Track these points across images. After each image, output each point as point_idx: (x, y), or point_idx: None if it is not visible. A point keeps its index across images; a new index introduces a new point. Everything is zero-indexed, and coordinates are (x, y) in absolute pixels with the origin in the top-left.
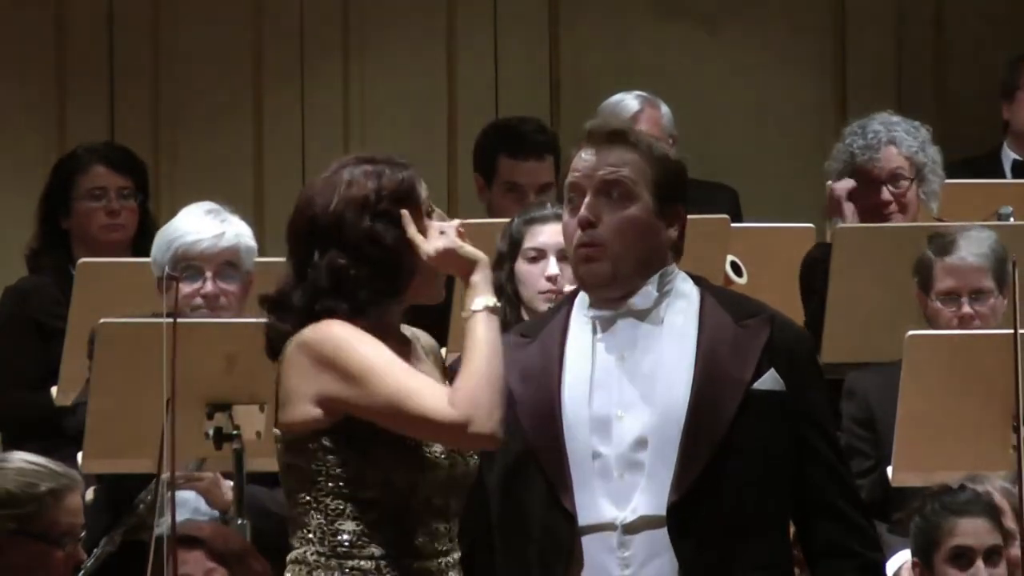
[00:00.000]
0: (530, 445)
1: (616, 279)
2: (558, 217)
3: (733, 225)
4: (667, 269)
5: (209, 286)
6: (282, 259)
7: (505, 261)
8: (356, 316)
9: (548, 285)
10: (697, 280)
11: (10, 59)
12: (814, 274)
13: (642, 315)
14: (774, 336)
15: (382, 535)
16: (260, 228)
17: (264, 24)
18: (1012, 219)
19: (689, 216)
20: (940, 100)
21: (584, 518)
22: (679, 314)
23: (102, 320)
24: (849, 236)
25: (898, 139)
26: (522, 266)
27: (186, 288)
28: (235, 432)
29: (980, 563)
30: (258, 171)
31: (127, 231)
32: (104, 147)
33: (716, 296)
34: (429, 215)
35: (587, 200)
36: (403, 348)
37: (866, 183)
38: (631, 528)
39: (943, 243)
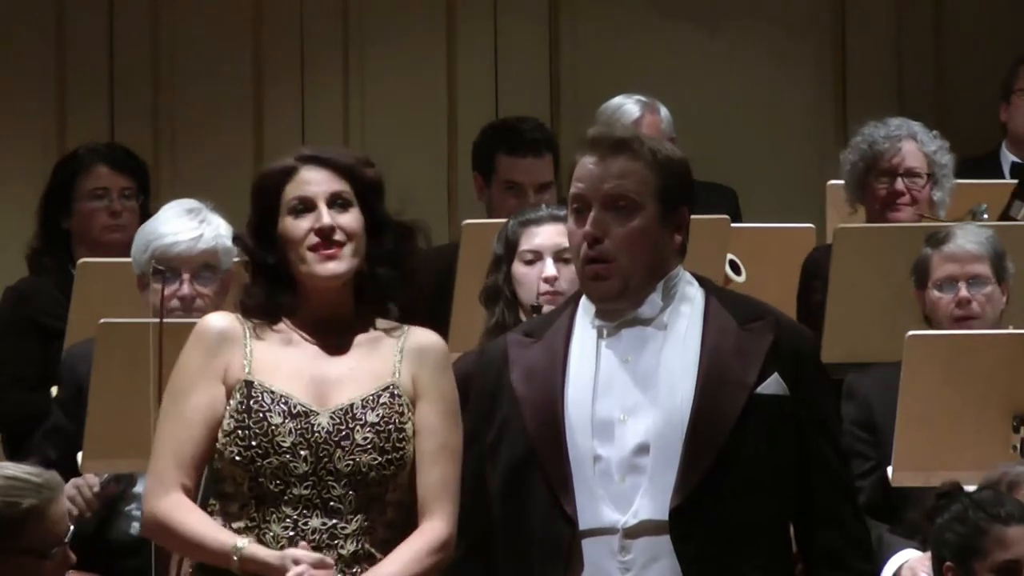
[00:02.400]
0: (532, 446)
1: (625, 293)
2: (554, 218)
3: (733, 225)
4: (671, 274)
5: (185, 288)
6: None
7: (502, 264)
8: (248, 313)
9: (546, 287)
10: (702, 282)
11: (10, 59)
12: (813, 281)
13: (647, 321)
14: (778, 339)
15: (240, 527)
16: None
17: (264, 24)
18: (986, 216)
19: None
20: (940, 100)
21: (585, 521)
22: (683, 318)
23: (102, 320)
24: (849, 236)
25: (919, 136)
26: (519, 268)
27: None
28: None
29: None
30: (258, 171)
31: (128, 232)
32: (106, 148)
33: (720, 298)
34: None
35: (593, 215)
36: (313, 345)
37: (882, 172)
38: (632, 532)
39: (940, 236)
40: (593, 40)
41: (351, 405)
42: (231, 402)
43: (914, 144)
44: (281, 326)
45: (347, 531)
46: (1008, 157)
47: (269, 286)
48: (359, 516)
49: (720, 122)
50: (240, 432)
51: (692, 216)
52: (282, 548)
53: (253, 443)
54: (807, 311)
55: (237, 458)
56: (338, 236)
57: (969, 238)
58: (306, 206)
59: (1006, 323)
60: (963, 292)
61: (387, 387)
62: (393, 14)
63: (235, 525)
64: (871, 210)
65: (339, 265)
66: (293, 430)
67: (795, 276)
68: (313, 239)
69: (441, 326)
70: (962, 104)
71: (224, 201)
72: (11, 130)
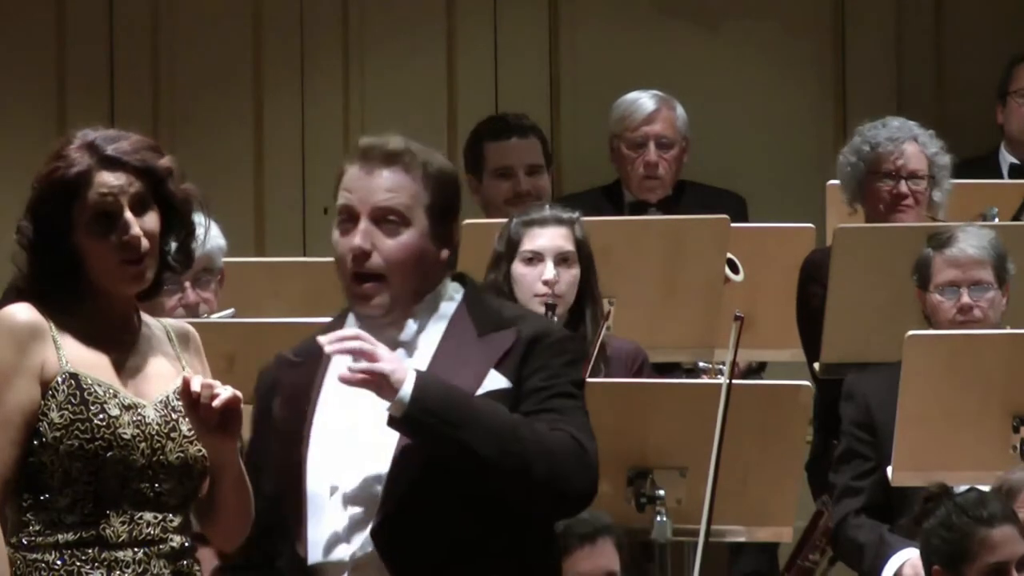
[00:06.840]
0: (279, 477)
1: (394, 309)
2: (557, 220)
3: (733, 225)
4: (436, 291)
5: (190, 296)
6: (282, 259)
7: (502, 262)
8: (35, 300)
9: (544, 289)
10: (466, 292)
11: (10, 58)
12: (810, 285)
13: (403, 344)
14: (518, 340)
15: (73, 521)
16: (260, 229)
17: (264, 24)
18: (997, 219)
19: (689, 217)
20: (940, 101)
21: (316, 556)
22: (430, 337)
23: None
24: (849, 236)
25: (920, 138)
26: (518, 267)
27: (169, 302)
28: None
29: (1015, 573)
30: (258, 172)
31: None
32: None
33: (472, 309)
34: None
35: (361, 227)
36: (112, 341)
37: (884, 174)
38: (360, 565)
39: (942, 238)
40: (593, 40)
41: (167, 397)
42: (56, 395)
43: (916, 146)
44: (72, 318)
45: (174, 525)
46: (1007, 158)
47: (53, 280)
48: (183, 510)
49: (720, 122)
50: (80, 424)
51: (692, 216)
52: (121, 543)
53: (97, 435)
54: (806, 313)
55: (78, 452)
56: (144, 245)
57: (971, 242)
58: (110, 214)
59: (1004, 323)
60: (965, 298)
61: None
62: (393, 14)
63: (68, 520)
64: (872, 211)
65: (147, 278)
66: (130, 422)
67: (795, 276)
68: (123, 254)
69: None
70: (962, 104)
71: (224, 200)
72: (10, 130)
